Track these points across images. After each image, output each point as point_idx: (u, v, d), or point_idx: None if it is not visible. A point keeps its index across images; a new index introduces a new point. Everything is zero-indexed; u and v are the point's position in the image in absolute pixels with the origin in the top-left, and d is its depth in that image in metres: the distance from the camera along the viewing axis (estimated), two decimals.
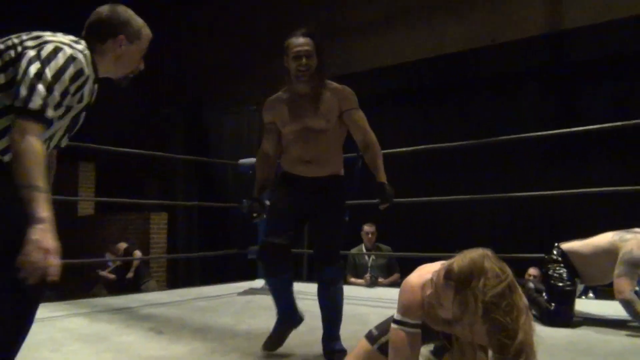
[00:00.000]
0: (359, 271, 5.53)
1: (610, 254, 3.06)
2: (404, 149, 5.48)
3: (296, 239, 2.60)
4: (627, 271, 2.94)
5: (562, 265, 3.23)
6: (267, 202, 2.62)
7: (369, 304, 4.09)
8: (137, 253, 7.67)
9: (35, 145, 1.42)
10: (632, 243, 2.98)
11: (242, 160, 5.30)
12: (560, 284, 3.17)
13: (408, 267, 6.38)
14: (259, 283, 5.27)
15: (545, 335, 2.79)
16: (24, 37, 1.57)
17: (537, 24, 7.24)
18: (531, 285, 3.51)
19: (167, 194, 9.02)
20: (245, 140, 8.72)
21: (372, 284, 5.08)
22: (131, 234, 8.94)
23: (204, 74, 9.20)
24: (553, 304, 3.16)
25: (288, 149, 2.60)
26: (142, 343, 2.84)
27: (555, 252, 3.32)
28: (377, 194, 2.48)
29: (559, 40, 7.26)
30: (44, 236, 1.37)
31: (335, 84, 2.57)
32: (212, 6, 9.29)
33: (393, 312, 3.58)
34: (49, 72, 1.48)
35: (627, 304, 2.93)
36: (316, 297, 2.57)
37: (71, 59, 1.53)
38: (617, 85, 7.00)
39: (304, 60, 2.45)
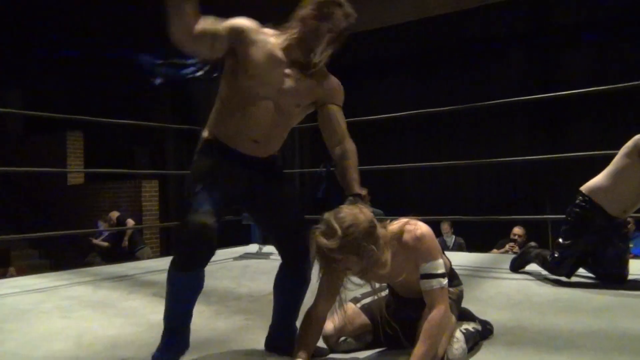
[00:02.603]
0: None
1: (625, 162, 3.02)
2: (388, 115, 5.55)
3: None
4: None
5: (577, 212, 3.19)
6: None
7: None
8: (130, 221, 7.76)
9: None
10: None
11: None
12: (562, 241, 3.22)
13: None
14: (253, 248, 5.41)
15: (531, 293, 2.98)
16: None
17: None
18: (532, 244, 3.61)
19: (158, 162, 9.04)
20: None
21: None
22: (122, 202, 9.00)
23: None
24: (556, 254, 3.22)
25: (236, 112, 1.94)
26: (148, 308, 2.96)
27: (579, 199, 3.21)
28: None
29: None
30: None
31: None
32: None
33: None
34: None
35: None
36: None
37: None
38: (598, 50, 7.14)
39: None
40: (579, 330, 2.25)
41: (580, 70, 7.17)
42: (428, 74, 8.28)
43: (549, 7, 7.28)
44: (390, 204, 6.81)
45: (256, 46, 1.87)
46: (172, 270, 1.80)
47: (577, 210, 3.20)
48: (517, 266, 3.64)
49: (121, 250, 7.63)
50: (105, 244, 7.89)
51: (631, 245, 5.61)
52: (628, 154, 3.02)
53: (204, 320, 2.61)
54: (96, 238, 7.98)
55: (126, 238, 7.70)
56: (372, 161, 4.92)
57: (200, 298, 3.16)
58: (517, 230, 6.35)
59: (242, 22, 1.88)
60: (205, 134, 1.99)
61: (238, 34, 1.86)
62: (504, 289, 3.20)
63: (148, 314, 2.79)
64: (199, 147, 1.98)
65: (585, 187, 3.21)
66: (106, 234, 7.94)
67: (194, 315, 2.70)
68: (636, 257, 5.20)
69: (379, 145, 8.09)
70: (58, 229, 7.84)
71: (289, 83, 1.92)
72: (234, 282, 3.72)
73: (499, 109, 7.02)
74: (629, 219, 3.20)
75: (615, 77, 6.68)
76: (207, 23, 1.80)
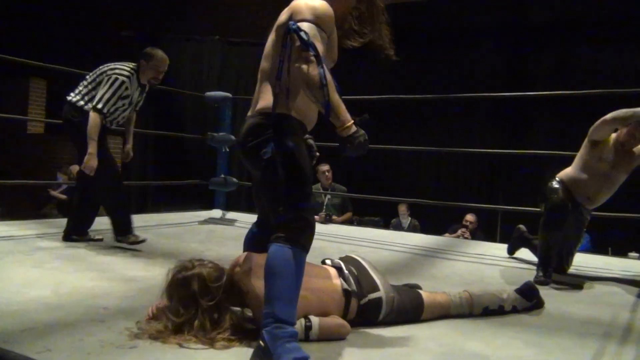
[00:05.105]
0: (314, 208, 5.85)
1: (585, 149, 3.23)
2: (356, 97, 5.68)
3: None
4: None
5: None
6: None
7: (324, 239, 4.40)
8: None
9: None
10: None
11: (208, 93, 5.40)
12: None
13: (361, 207, 6.79)
14: (217, 213, 5.51)
15: (483, 275, 3.21)
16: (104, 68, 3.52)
17: None
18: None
19: None
20: (206, 71, 8.65)
21: (327, 221, 5.41)
22: (85, 156, 8.83)
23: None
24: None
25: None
26: (121, 264, 3.04)
27: (555, 182, 3.32)
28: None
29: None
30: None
31: None
32: None
33: (350, 247, 3.91)
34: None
35: (621, 114, 3.02)
36: None
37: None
38: (566, 50, 7.42)
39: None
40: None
41: (548, 69, 7.48)
42: (400, 58, 8.41)
43: (526, 5, 7.51)
44: (352, 183, 7.02)
45: (334, 32, 1.97)
46: (299, 251, 1.77)
47: (555, 187, 3.31)
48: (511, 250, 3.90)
49: None
50: (64, 196, 7.80)
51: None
52: (584, 145, 3.27)
53: None
54: (54, 190, 7.87)
55: None
56: (336, 140, 5.06)
57: (170, 258, 3.28)
58: (469, 217, 6.66)
59: (332, 14, 1.89)
60: (282, 110, 1.91)
61: (332, 29, 1.93)
62: (457, 270, 3.44)
63: (121, 269, 2.89)
64: (286, 123, 1.90)
65: (559, 174, 3.40)
66: (64, 186, 7.85)
67: (165, 274, 2.83)
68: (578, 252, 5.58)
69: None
70: (13, 178, 7.70)
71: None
72: (201, 245, 3.84)
73: (466, 99, 7.27)
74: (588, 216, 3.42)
75: (580, 78, 7.00)
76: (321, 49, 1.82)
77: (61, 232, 3.98)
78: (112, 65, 3.55)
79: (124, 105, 3.55)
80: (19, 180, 6.97)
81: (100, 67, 3.56)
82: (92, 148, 3.40)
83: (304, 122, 1.99)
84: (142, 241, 3.54)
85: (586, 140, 3.26)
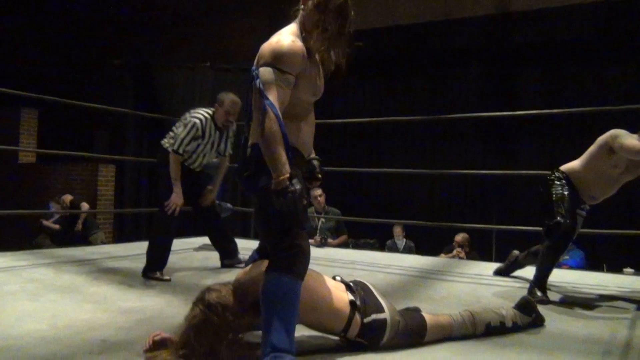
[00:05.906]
0: (309, 232, 5.84)
1: (596, 152, 3.17)
2: (350, 120, 5.70)
3: None
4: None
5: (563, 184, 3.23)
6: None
7: (320, 263, 4.39)
8: (85, 205, 7.65)
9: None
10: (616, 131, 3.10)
11: None
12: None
13: (355, 229, 6.78)
14: None
15: (480, 295, 3.21)
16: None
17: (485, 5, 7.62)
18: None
19: (117, 147, 8.89)
20: (198, 98, 8.69)
21: (322, 244, 5.40)
22: (77, 184, 8.82)
23: (158, 27, 9.05)
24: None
25: (300, 122, 1.98)
26: (117, 295, 3.02)
27: (556, 174, 3.31)
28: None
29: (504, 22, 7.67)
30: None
31: None
32: None
33: (346, 271, 3.91)
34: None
35: None
36: None
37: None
38: (551, 70, 7.54)
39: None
40: (525, 330, 2.48)
41: (535, 89, 7.58)
42: (389, 81, 8.51)
43: (509, 27, 7.64)
44: (347, 206, 7.03)
45: (310, 68, 1.97)
46: (294, 279, 1.79)
47: (557, 182, 3.29)
48: (502, 272, 3.88)
49: (73, 233, 7.52)
50: (57, 226, 7.75)
51: (567, 257, 6.03)
52: (601, 145, 3.19)
53: (174, 308, 2.71)
54: (47, 219, 7.82)
55: (80, 221, 7.59)
56: (330, 163, 5.08)
57: (166, 287, 3.28)
58: (458, 238, 6.66)
59: (299, 52, 1.89)
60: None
61: (301, 67, 1.92)
62: (454, 291, 3.43)
63: (117, 301, 2.86)
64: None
65: (564, 167, 3.35)
66: (57, 216, 7.80)
67: (165, 305, 2.81)
68: (571, 268, 5.59)
69: (337, 148, 8.30)
70: (5, 208, 7.63)
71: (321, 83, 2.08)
72: (197, 274, 3.81)
73: (456, 120, 7.34)
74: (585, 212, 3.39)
75: (568, 98, 7.10)
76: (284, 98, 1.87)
77: (55, 262, 3.97)
78: (193, 110, 3.80)
79: (198, 145, 3.74)
80: (10, 210, 6.92)
81: (186, 112, 3.84)
82: (176, 188, 3.62)
83: (298, 147, 1.99)
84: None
85: (603, 144, 3.15)
